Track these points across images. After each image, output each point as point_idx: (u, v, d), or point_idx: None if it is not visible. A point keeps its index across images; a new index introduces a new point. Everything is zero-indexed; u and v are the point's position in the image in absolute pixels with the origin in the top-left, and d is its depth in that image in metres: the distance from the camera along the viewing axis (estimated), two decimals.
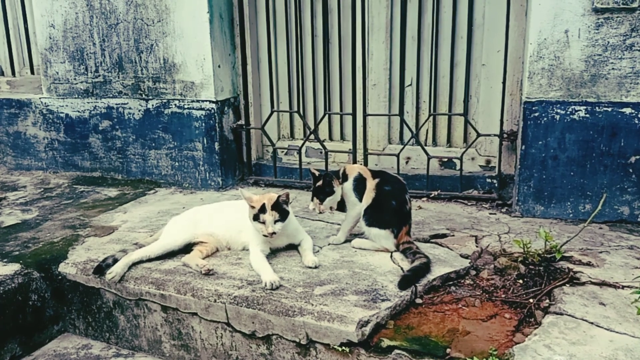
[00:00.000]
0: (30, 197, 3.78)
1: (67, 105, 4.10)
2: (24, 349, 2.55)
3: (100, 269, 2.51)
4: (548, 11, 2.76)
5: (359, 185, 2.56)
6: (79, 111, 4.07)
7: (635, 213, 2.83)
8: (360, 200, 2.56)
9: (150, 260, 2.56)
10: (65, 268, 2.65)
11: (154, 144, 3.87)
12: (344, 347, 2.00)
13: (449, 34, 3.35)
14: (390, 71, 3.57)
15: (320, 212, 2.59)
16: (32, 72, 4.56)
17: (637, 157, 2.76)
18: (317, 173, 2.59)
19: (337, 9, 3.53)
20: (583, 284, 2.19)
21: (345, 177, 2.58)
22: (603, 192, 2.77)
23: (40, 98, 4.20)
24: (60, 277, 2.65)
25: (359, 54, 3.44)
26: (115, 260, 2.53)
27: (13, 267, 2.61)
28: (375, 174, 2.59)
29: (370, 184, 2.55)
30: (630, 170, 2.79)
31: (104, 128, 4.02)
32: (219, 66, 3.64)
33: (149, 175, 3.96)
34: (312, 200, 2.59)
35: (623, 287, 2.16)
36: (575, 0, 2.70)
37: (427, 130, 3.58)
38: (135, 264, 2.53)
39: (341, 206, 2.66)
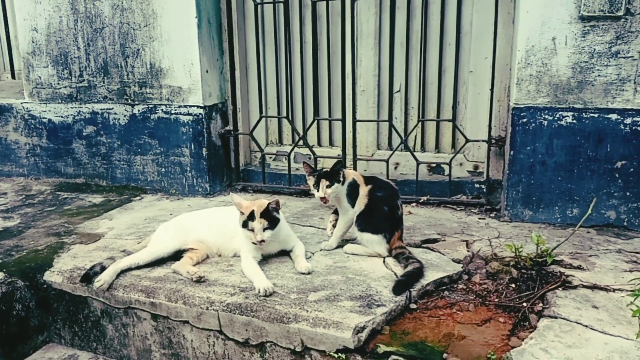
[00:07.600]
0: (11, 204, 3.68)
1: (49, 110, 4.02)
2: None
3: (88, 277, 2.46)
4: (536, 19, 2.80)
5: (353, 191, 2.55)
6: (62, 116, 3.99)
7: (622, 217, 2.87)
8: (353, 206, 2.55)
9: (139, 267, 2.51)
10: (51, 276, 2.58)
11: (139, 150, 3.82)
12: (339, 354, 1.98)
13: (437, 40, 3.37)
14: (379, 77, 3.58)
15: (322, 197, 2.48)
16: (13, 77, 4.47)
17: (623, 162, 2.81)
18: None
19: (325, 15, 3.53)
20: (575, 287, 2.21)
21: (344, 180, 2.57)
22: (593, 196, 2.81)
23: (21, 103, 4.11)
24: (45, 286, 2.58)
25: (348, 60, 3.45)
26: (103, 268, 2.48)
27: None
28: (367, 180, 2.59)
29: (363, 190, 2.55)
30: (617, 175, 2.84)
31: (88, 133, 3.94)
32: (207, 71, 3.61)
33: (134, 182, 3.89)
34: (316, 185, 2.48)
35: (614, 290, 2.18)
36: (562, 9, 2.75)
37: (415, 136, 3.59)
38: (123, 272, 2.47)
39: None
